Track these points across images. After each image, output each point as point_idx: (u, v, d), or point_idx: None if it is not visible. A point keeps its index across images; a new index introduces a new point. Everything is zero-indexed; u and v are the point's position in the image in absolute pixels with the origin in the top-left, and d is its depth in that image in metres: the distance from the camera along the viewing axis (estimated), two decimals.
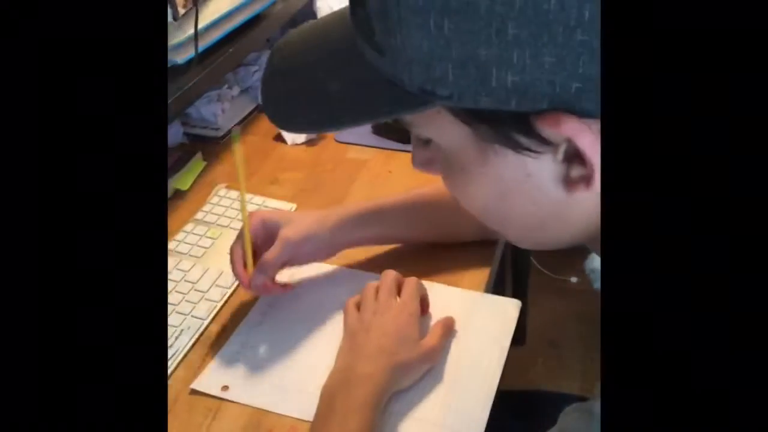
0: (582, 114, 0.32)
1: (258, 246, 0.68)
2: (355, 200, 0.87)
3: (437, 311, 0.68)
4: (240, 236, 0.67)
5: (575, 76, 0.31)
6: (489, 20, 0.30)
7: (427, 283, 0.69)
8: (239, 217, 0.84)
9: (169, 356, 0.66)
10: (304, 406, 0.60)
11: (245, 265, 0.66)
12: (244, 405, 0.61)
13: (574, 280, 1.65)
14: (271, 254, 0.66)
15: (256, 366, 0.65)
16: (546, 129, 0.33)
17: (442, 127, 0.37)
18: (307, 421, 0.59)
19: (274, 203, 0.87)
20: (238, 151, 0.66)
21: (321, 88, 0.38)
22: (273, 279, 0.68)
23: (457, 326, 0.67)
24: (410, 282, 0.66)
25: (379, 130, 0.98)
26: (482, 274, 0.73)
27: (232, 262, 0.67)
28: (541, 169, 0.35)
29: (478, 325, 0.68)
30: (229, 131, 1.02)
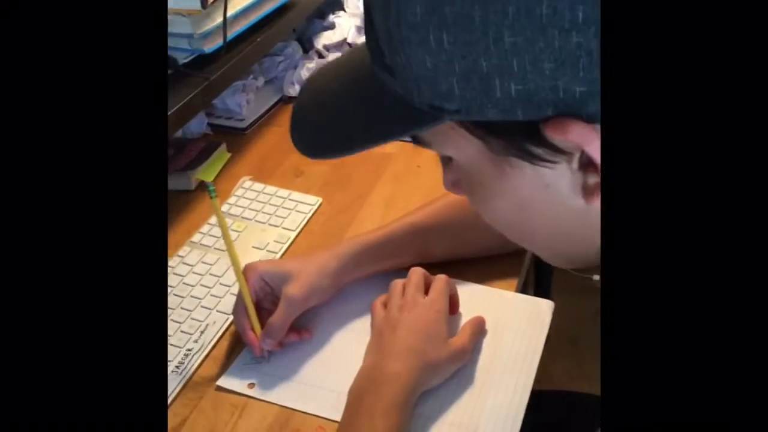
0: (589, 119, 0.31)
1: (260, 300, 0.65)
2: (381, 197, 0.85)
3: (467, 311, 0.66)
4: (239, 300, 0.64)
5: (577, 79, 0.30)
6: (485, 30, 0.30)
7: (457, 282, 0.67)
8: (265, 209, 0.83)
9: (194, 351, 0.65)
10: (332, 406, 0.59)
11: (252, 327, 0.63)
12: (270, 403, 0.60)
13: (596, 278, 1.62)
14: (277, 318, 0.62)
15: (283, 364, 0.63)
16: (555, 137, 0.32)
17: (457, 144, 0.37)
18: (335, 421, 0.57)
19: (299, 197, 0.85)
20: (218, 209, 0.61)
21: (341, 113, 0.39)
22: (282, 340, 0.64)
23: (489, 326, 0.65)
24: (439, 279, 0.65)
25: None
26: (513, 274, 0.71)
27: (241, 329, 0.64)
28: (558, 180, 0.35)
29: (511, 325, 0.66)
30: (251, 124, 1.01)
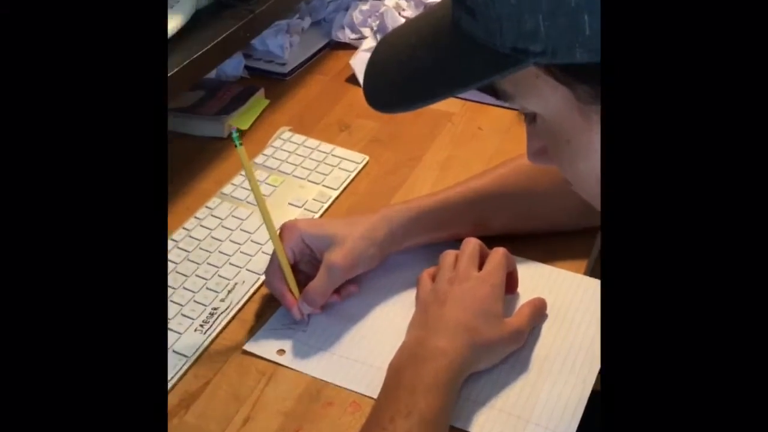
0: None
1: (297, 262, 0.67)
2: (436, 160, 0.87)
3: (527, 292, 0.68)
4: (273, 261, 0.66)
5: None
6: None
7: (517, 259, 0.69)
8: (305, 164, 0.85)
9: (220, 311, 0.68)
10: (369, 381, 0.61)
11: (290, 290, 0.66)
12: (301, 373, 0.63)
13: None
14: (317, 285, 0.64)
15: (317, 332, 0.66)
16: None
17: (541, 94, 0.39)
18: (371, 398, 0.60)
19: (343, 153, 0.87)
20: (244, 156, 0.63)
21: (418, 63, 0.41)
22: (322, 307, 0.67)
23: (550, 310, 0.67)
24: (496, 253, 0.66)
25: None
26: (582, 254, 0.73)
27: (278, 293, 0.66)
28: None
29: (576, 311, 0.67)
30: (293, 70, 1.03)
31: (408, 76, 0.42)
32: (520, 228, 0.73)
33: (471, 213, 0.71)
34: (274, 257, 0.66)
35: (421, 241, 0.71)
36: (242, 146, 0.62)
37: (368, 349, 0.65)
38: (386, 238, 0.68)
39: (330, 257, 0.65)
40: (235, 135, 0.62)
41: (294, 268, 0.66)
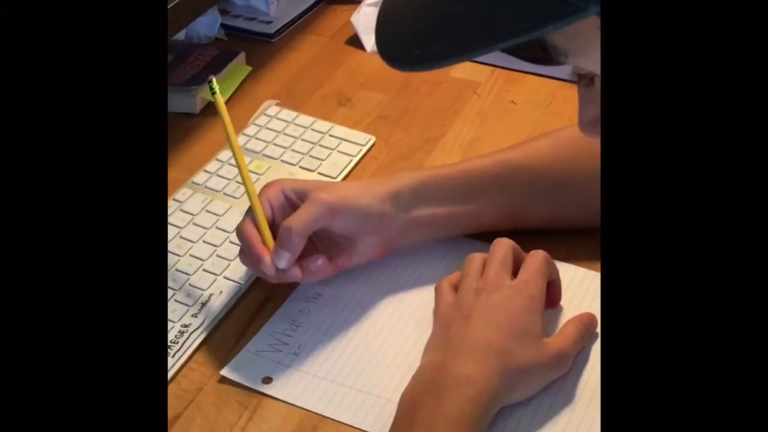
0: None
1: (276, 222, 0.68)
2: (458, 141, 0.87)
3: (572, 305, 0.68)
4: (248, 213, 0.69)
5: None
6: None
7: (559, 264, 0.69)
8: (296, 147, 0.85)
9: (192, 329, 0.68)
10: (377, 416, 0.61)
11: (264, 241, 0.67)
12: (292, 405, 0.63)
13: None
14: (296, 219, 0.65)
15: (312, 354, 0.66)
16: None
17: None
18: None
19: (343, 132, 0.87)
20: (222, 106, 0.67)
21: (445, 9, 0.41)
22: (304, 264, 0.67)
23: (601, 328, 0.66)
24: (535, 257, 0.66)
25: None
26: None
27: (248, 243, 0.67)
28: None
29: None
30: (281, 30, 1.03)
31: (435, 27, 0.41)
32: (564, 219, 0.73)
33: (497, 189, 0.71)
34: (249, 211, 0.68)
35: (436, 214, 0.71)
36: (220, 95, 0.67)
37: (375, 375, 0.65)
38: (387, 195, 0.69)
39: (314, 193, 0.67)
40: (214, 83, 0.66)
41: (271, 227, 0.67)
